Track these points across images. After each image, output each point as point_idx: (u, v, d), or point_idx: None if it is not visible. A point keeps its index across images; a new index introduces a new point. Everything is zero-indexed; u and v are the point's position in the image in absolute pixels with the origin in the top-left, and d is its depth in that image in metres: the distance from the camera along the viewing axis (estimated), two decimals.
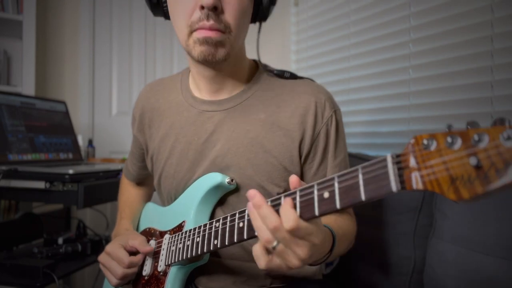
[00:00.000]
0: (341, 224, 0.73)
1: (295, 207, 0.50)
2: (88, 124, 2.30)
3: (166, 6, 0.76)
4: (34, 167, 1.22)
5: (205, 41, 0.69)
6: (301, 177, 0.79)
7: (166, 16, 0.78)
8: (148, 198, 1.04)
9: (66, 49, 2.25)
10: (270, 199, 0.54)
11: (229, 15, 0.69)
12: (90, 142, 2.02)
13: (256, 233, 0.53)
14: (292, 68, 1.91)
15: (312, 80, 0.84)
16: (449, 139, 0.36)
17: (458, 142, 0.36)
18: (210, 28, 0.68)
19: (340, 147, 0.80)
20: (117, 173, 1.35)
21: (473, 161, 0.34)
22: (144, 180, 1.04)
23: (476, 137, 0.34)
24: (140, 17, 2.43)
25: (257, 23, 0.81)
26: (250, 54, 0.85)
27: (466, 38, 1.17)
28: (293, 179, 0.53)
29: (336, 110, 0.79)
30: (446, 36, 1.23)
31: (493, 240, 0.84)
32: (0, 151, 1.29)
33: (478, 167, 0.33)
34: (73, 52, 2.26)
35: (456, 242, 0.90)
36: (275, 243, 0.49)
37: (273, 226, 0.48)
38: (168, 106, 0.86)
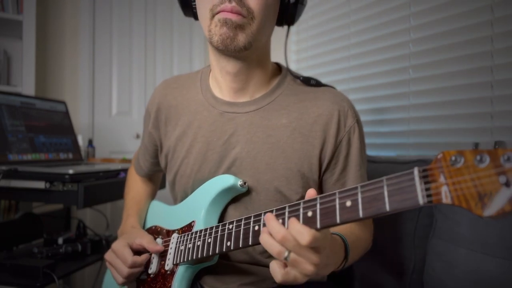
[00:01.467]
0: (353, 229, 0.74)
1: (313, 213, 0.51)
2: (88, 124, 2.30)
3: (195, 5, 0.77)
4: (34, 167, 1.22)
5: (225, 22, 0.68)
6: (320, 185, 0.80)
7: (195, 16, 0.79)
8: (154, 195, 1.04)
9: (66, 49, 2.25)
10: (288, 204, 0.55)
11: (252, 0, 0.69)
12: (90, 142, 2.01)
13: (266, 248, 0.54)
14: (292, 68, 1.91)
15: (334, 88, 0.84)
16: (477, 157, 0.37)
17: (487, 160, 0.37)
18: (232, 11, 0.68)
19: (363, 157, 0.80)
20: (117, 173, 1.35)
21: (502, 179, 0.35)
22: (154, 176, 1.04)
23: (505, 157, 0.36)
24: (140, 18, 2.43)
25: (285, 27, 0.81)
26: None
27: (466, 38, 1.17)
28: (311, 192, 0.54)
29: (358, 120, 0.79)
30: (446, 36, 1.23)
31: (493, 240, 0.84)
32: (0, 151, 1.29)
33: (507, 185, 0.35)
34: (73, 52, 2.26)
35: (456, 242, 0.90)
36: (286, 254, 0.51)
37: (280, 236, 0.50)
38: (186, 104, 0.85)
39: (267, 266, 0.78)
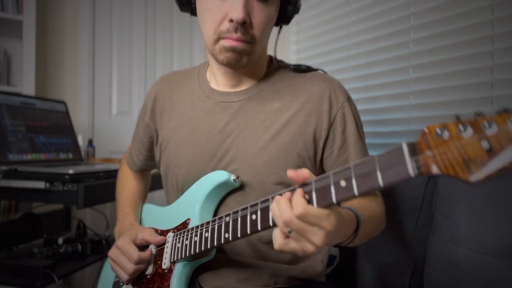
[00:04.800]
0: (366, 205, 0.73)
1: (309, 196, 0.52)
2: (88, 124, 2.30)
3: (194, 3, 0.79)
4: (34, 167, 1.22)
5: (231, 50, 0.72)
6: (322, 163, 0.80)
7: (193, 12, 0.82)
8: (146, 196, 1.04)
9: (66, 49, 2.25)
10: (286, 190, 0.56)
11: (257, 28, 0.73)
12: (90, 142, 2.01)
13: (271, 223, 0.56)
14: None
15: (324, 71, 0.87)
16: (460, 127, 0.40)
17: (469, 130, 0.39)
18: (238, 39, 0.71)
19: (361, 132, 0.82)
20: (117, 173, 1.35)
21: (484, 145, 0.37)
22: (145, 172, 1.05)
23: (485, 124, 0.38)
24: (140, 17, 2.43)
25: (278, 26, 0.84)
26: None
27: (466, 38, 1.17)
28: (290, 174, 0.54)
29: (349, 97, 0.81)
30: (446, 36, 1.23)
31: (493, 240, 0.84)
32: (0, 151, 1.29)
33: (489, 150, 0.37)
34: (73, 52, 2.26)
35: (456, 242, 0.90)
36: (289, 229, 0.52)
37: (284, 218, 0.51)
38: (182, 96, 0.88)
39: (268, 259, 0.78)
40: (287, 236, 0.53)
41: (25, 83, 1.88)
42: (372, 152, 1.46)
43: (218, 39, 0.73)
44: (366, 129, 1.49)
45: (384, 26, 1.44)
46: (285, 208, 0.51)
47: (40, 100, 1.57)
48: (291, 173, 0.54)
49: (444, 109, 1.24)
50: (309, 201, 0.52)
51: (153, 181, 1.11)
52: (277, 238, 0.54)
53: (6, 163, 1.27)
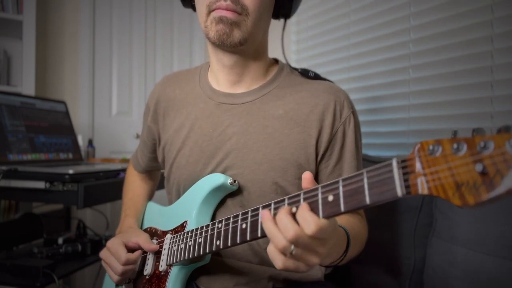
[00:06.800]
0: (354, 225, 0.73)
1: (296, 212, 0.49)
2: (88, 124, 2.30)
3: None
4: (34, 167, 1.22)
5: (220, 20, 0.71)
6: (316, 175, 0.79)
7: (194, 8, 0.82)
8: (152, 195, 1.05)
9: (66, 49, 2.25)
10: (274, 201, 0.54)
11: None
12: (90, 142, 2.01)
13: (259, 234, 0.53)
14: None
15: (332, 82, 0.85)
16: (455, 146, 0.36)
17: (464, 149, 0.36)
18: (227, 8, 0.70)
19: (358, 149, 0.80)
20: (117, 173, 1.35)
21: (478, 167, 0.34)
22: (151, 173, 1.05)
23: (481, 144, 0.34)
24: (140, 17, 2.43)
25: (282, 21, 0.83)
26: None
27: (466, 38, 1.17)
28: (307, 175, 0.53)
29: (353, 111, 0.80)
30: (446, 36, 1.23)
31: (493, 239, 0.84)
32: (0, 151, 1.29)
33: (483, 173, 0.34)
34: (73, 52, 2.26)
35: (456, 242, 0.90)
36: (292, 248, 0.48)
37: (291, 236, 0.47)
38: (184, 97, 0.87)
39: (268, 264, 0.78)
40: (285, 254, 0.49)
41: (25, 83, 1.88)
42: (371, 152, 1.46)
43: (209, 12, 0.73)
44: (366, 129, 1.51)
45: (384, 26, 1.44)
46: (289, 224, 0.47)
47: (40, 100, 1.57)
48: (308, 176, 0.52)
49: (444, 109, 1.24)
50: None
51: None
52: (277, 258, 0.49)
53: (6, 163, 1.27)
